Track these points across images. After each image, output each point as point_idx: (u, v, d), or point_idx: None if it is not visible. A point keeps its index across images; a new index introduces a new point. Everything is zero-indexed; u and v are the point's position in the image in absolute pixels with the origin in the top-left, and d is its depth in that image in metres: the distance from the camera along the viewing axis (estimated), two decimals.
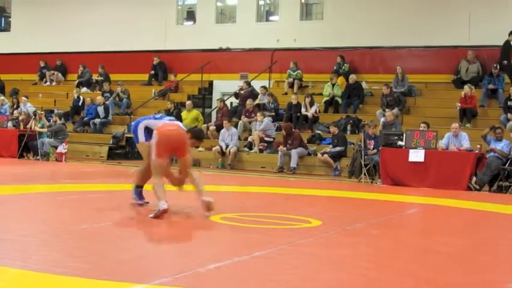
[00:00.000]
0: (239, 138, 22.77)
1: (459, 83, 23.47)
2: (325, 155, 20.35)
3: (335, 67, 25.59)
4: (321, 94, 24.99)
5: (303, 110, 23.33)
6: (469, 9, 24.38)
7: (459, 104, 21.63)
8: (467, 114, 21.47)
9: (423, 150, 17.25)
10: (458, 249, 8.41)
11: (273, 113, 23.81)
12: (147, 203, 10.85)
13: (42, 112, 24.15)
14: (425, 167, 17.25)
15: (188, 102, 24.99)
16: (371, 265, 7.00)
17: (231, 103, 26.88)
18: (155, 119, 11.02)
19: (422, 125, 18.37)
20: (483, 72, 23.64)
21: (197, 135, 10.74)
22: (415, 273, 6.71)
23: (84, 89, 29.52)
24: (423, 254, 7.87)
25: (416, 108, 23.84)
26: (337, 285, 6.05)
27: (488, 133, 17.82)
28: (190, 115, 24.10)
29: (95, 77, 30.25)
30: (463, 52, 24.07)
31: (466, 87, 21.67)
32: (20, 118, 23.97)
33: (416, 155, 17.25)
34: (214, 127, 23.90)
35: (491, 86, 22.62)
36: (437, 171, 17.11)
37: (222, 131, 22.51)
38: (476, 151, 17.39)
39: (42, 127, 22.92)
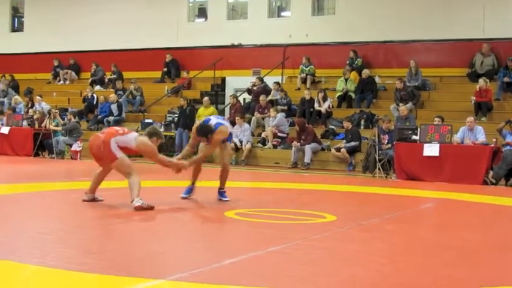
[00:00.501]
0: (252, 134, 22.77)
1: (474, 77, 23.37)
2: (342, 150, 20.31)
3: (348, 62, 25.54)
4: (334, 89, 24.95)
5: (316, 105, 23.32)
6: (483, 2, 24.28)
7: (474, 98, 21.54)
8: (482, 108, 21.39)
9: (438, 145, 17.21)
10: (474, 244, 8.39)
11: (286, 107, 23.81)
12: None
13: (56, 111, 24.25)
14: (440, 161, 17.20)
15: (205, 99, 24.98)
16: (385, 260, 6.99)
17: (244, 99, 26.89)
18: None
19: (436, 119, 18.32)
20: (498, 65, 23.53)
21: (150, 134, 10.71)
22: (430, 268, 6.69)
23: (97, 87, 29.62)
24: (438, 249, 7.85)
25: (430, 103, 23.77)
26: (352, 281, 6.04)
27: (504, 127, 17.75)
28: (207, 111, 24.07)
29: (107, 75, 30.34)
30: (478, 45, 23.96)
31: (481, 81, 21.57)
32: (35, 117, 24.07)
33: (431, 149, 17.21)
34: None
35: (506, 79, 22.53)
36: (452, 165, 17.06)
37: (235, 127, 22.50)
38: (492, 145, 17.34)
39: (57, 125, 23.03)
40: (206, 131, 10.86)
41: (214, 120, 11.13)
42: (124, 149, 10.17)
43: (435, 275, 6.36)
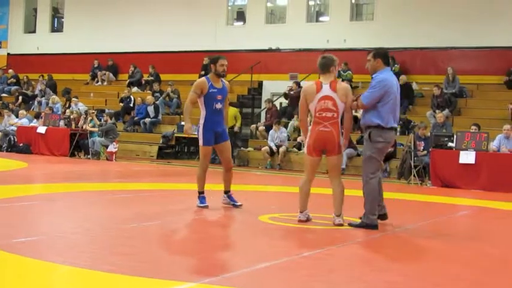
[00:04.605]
0: (288, 139, 22.78)
1: (511, 85, 23.20)
2: None
3: None
4: None
5: (352, 111, 23.23)
6: None
7: (511, 106, 21.38)
8: None
9: (474, 152, 17.10)
10: (509, 252, 8.32)
11: None
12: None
13: (93, 111, 24.42)
14: (476, 169, 17.09)
15: None
16: (420, 267, 6.96)
17: (281, 103, 26.89)
18: None
19: (473, 127, 18.22)
20: None
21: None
22: (466, 276, 6.65)
23: (134, 89, 29.77)
24: (473, 257, 7.79)
25: (467, 110, 23.63)
26: (386, 287, 6.01)
27: None
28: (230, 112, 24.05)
29: (145, 77, 30.49)
30: None
31: None
32: (72, 117, 24.25)
33: (467, 157, 17.11)
34: (264, 127, 23.92)
35: None
36: (488, 173, 16.95)
37: (271, 131, 22.53)
38: None
39: (94, 126, 23.17)
40: None
41: None
42: None
43: (470, 283, 6.32)
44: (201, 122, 10.60)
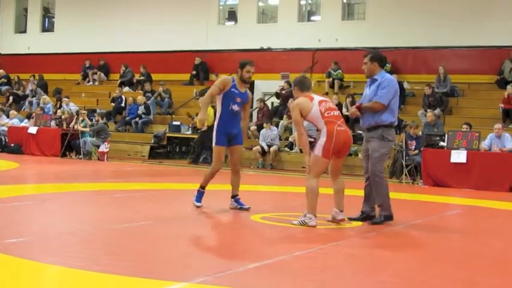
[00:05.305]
0: (280, 138, 22.76)
1: (502, 84, 23.25)
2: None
3: None
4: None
5: (344, 110, 23.24)
6: None
7: (502, 105, 21.43)
8: (510, 115, 21.30)
9: (465, 151, 17.13)
10: (501, 251, 8.32)
11: None
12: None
13: (84, 112, 24.36)
14: (467, 168, 17.12)
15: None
16: (412, 266, 6.96)
17: (272, 103, 26.88)
18: None
19: (464, 126, 18.25)
20: None
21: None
22: (458, 275, 6.64)
23: (126, 89, 29.73)
24: (466, 256, 7.80)
25: (458, 109, 23.66)
26: (379, 287, 6.01)
27: None
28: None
29: (136, 76, 30.45)
30: (507, 52, 23.85)
31: (510, 88, 21.47)
32: (63, 117, 24.20)
33: (459, 156, 17.14)
34: (255, 127, 23.91)
35: None
36: (479, 172, 16.99)
37: (263, 131, 22.52)
38: None
39: (85, 126, 23.12)
40: None
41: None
42: None
43: (464, 282, 6.32)
44: (216, 121, 10.56)
